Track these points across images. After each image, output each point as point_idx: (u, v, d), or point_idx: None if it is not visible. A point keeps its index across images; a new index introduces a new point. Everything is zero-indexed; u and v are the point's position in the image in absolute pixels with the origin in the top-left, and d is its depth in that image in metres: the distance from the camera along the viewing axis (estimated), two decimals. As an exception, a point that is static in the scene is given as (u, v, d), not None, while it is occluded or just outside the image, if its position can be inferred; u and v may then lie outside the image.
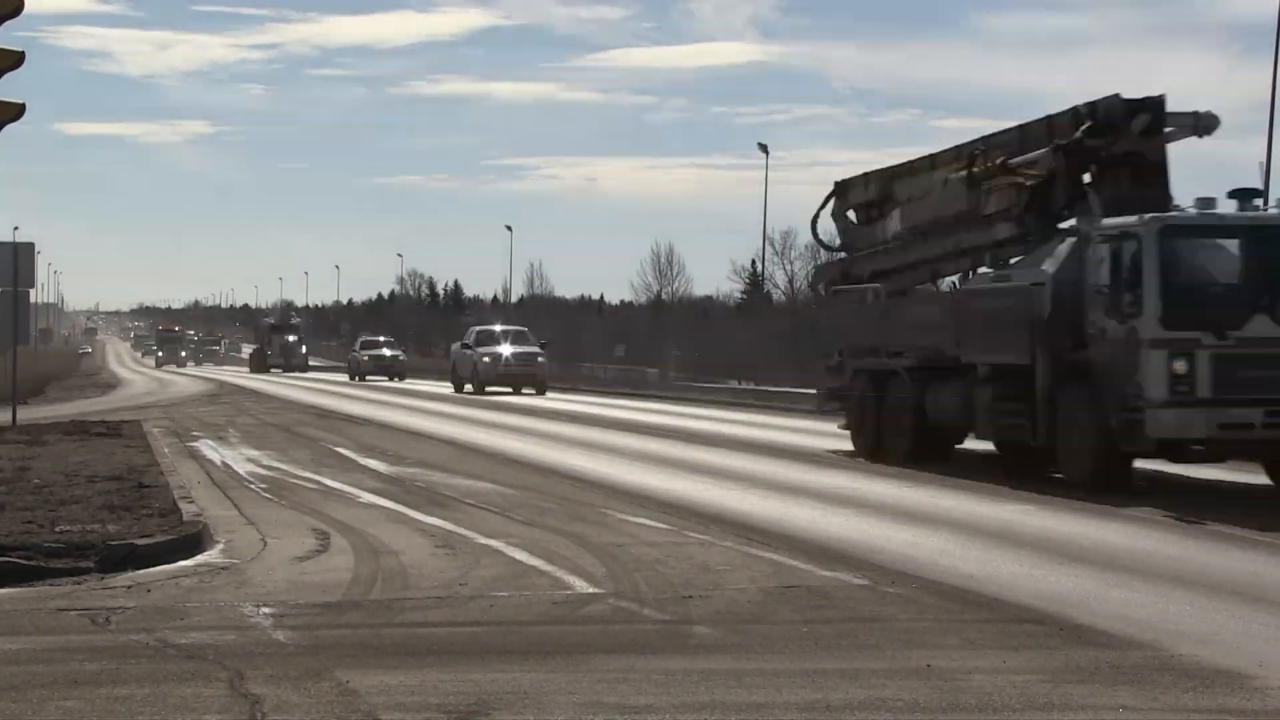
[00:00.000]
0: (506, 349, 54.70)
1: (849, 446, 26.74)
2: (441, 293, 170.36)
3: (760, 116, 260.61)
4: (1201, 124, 22.59)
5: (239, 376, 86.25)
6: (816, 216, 30.09)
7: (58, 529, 14.92)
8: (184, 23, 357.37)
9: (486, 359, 54.17)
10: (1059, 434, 20.54)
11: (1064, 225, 22.19)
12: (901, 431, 24.69)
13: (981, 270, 25.06)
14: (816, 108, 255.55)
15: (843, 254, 29.85)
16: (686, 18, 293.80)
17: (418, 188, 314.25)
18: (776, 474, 23.00)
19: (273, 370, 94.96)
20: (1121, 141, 22.21)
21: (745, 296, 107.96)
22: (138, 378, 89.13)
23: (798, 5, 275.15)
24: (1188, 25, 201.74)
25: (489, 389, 53.79)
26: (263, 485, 21.48)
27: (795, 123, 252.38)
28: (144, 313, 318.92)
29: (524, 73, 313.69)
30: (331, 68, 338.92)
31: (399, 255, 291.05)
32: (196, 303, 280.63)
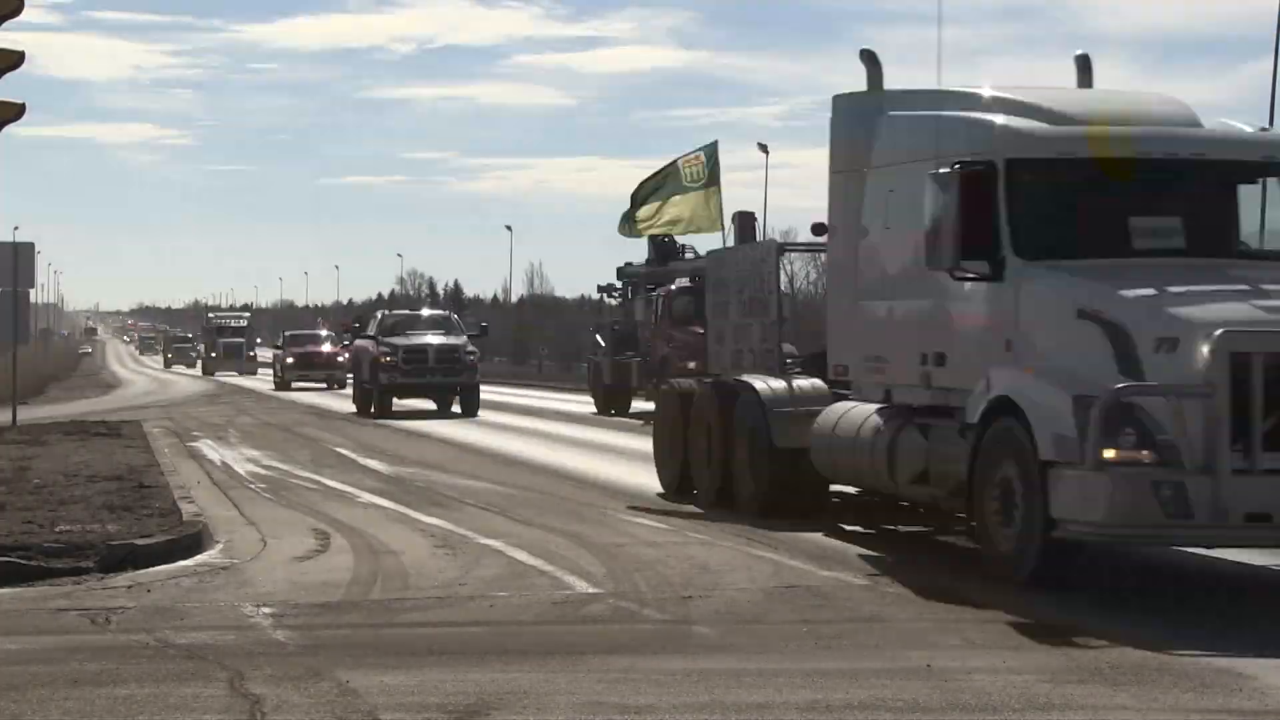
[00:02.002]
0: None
1: None
2: (441, 292, 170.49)
3: (686, 120, 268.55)
4: None
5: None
6: None
7: (58, 529, 14.91)
8: (92, 27, 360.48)
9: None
10: None
11: None
12: None
13: None
14: (736, 110, 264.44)
15: None
16: (604, 27, 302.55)
17: (376, 188, 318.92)
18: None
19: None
20: None
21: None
22: (138, 378, 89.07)
23: (719, 17, 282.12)
24: (1070, 38, 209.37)
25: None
26: (263, 485, 21.47)
27: (720, 126, 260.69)
28: (144, 312, 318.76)
29: (444, 77, 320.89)
30: (250, 74, 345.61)
31: (399, 255, 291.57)
32: (196, 302, 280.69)
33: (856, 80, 16.04)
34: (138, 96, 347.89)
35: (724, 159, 31.49)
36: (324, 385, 60.44)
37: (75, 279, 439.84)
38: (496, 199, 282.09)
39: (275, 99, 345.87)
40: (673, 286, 37.85)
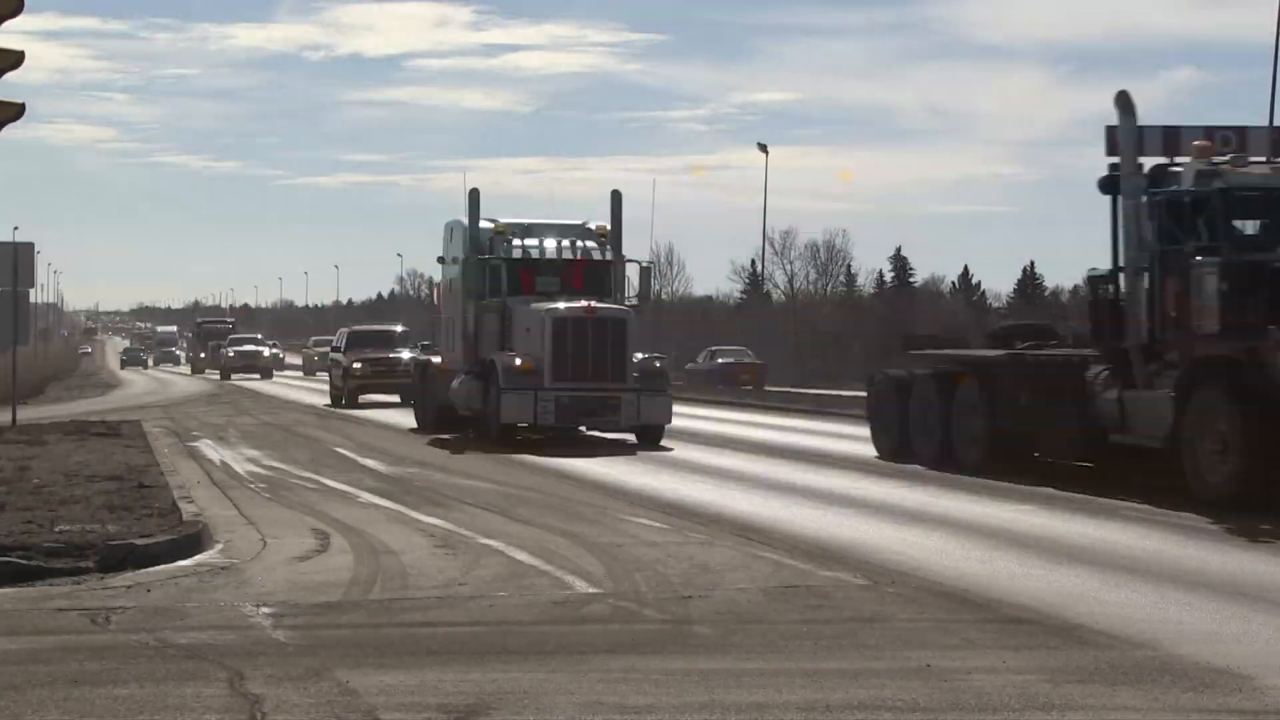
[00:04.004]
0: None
1: (846, 447, 26.77)
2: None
3: (615, 124, 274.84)
4: None
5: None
6: None
7: (57, 529, 14.92)
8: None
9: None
10: None
11: None
12: None
13: None
14: (659, 114, 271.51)
15: None
16: (504, 35, 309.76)
17: (332, 190, 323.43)
18: (776, 474, 23.00)
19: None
20: None
21: (745, 296, 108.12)
22: (137, 378, 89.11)
23: (644, 24, 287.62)
24: (960, 49, 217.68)
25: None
26: (262, 485, 21.47)
27: (648, 129, 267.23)
28: (143, 313, 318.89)
29: (363, 83, 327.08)
30: (173, 80, 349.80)
31: (398, 255, 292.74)
32: (196, 303, 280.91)
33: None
34: (72, 100, 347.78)
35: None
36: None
37: (74, 280, 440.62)
38: (455, 200, 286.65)
39: (205, 104, 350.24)
40: None
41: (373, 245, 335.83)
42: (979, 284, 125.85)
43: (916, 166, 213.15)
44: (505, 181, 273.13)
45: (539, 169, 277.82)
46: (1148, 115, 21.28)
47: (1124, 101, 20.95)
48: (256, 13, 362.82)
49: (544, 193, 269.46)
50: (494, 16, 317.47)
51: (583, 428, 29.81)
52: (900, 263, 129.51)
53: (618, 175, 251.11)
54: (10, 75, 14.34)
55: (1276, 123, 41.21)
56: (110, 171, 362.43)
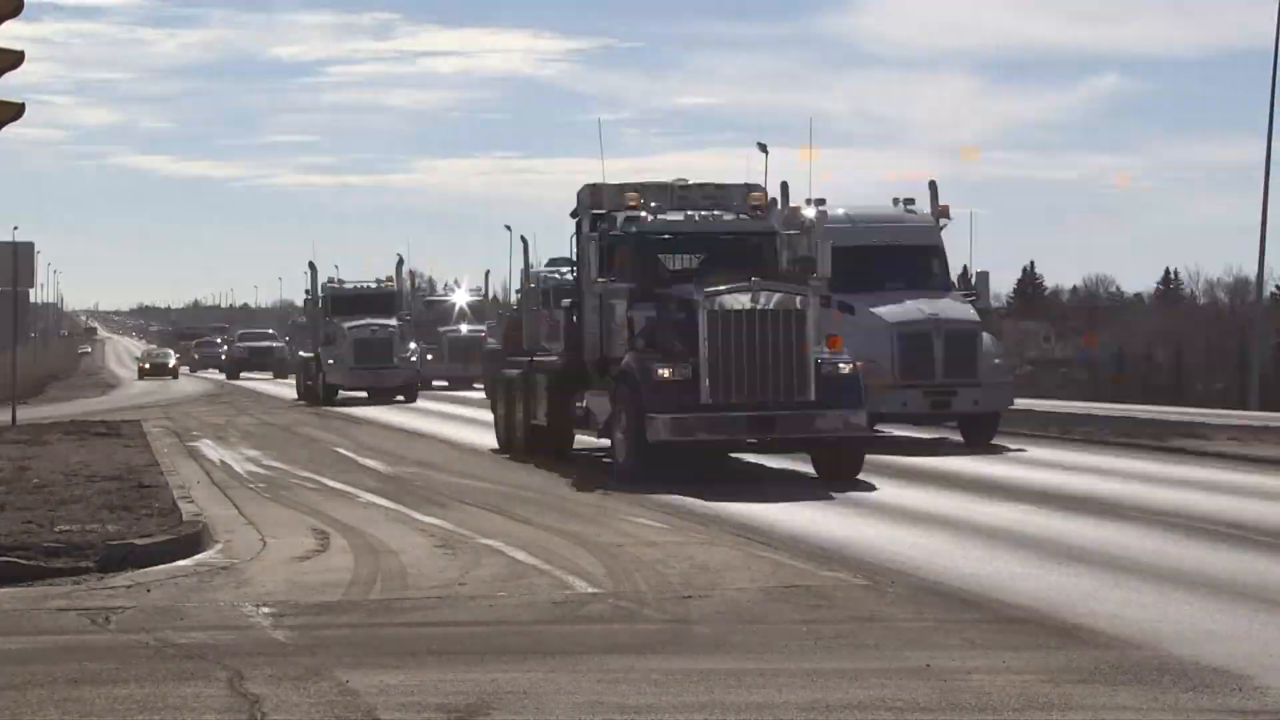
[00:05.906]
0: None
1: None
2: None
3: (550, 124, 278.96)
4: None
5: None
6: None
7: (57, 529, 14.92)
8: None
9: None
10: None
11: None
12: None
13: None
14: (591, 116, 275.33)
15: None
16: (412, 43, 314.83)
17: (304, 186, 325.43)
18: (774, 473, 22.98)
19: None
20: None
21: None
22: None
23: (551, 30, 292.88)
24: (856, 57, 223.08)
25: None
26: (262, 485, 21.47)
27: (581, 129, 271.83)
28: (144, 313, 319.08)
29: (287, 90, 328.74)
30: (102, 86, 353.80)
31: (399, 255, 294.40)
32: (196, 302, 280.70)
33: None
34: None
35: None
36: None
37: (70, 280, 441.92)
38: (430, 199, 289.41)
39: (145, 108, 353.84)
40: None
41: (359, 245, 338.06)
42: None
43: (852, 169, 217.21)
44: (464, 184, 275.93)
45: (488, 170, 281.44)
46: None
47: None
48: (162, 19, 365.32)
49: (521, 194, 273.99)
50: (399, 24, 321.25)
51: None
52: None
53: (569, 179, 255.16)
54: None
55: (1276, 126, 41.30)
56: (72, 173, 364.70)
